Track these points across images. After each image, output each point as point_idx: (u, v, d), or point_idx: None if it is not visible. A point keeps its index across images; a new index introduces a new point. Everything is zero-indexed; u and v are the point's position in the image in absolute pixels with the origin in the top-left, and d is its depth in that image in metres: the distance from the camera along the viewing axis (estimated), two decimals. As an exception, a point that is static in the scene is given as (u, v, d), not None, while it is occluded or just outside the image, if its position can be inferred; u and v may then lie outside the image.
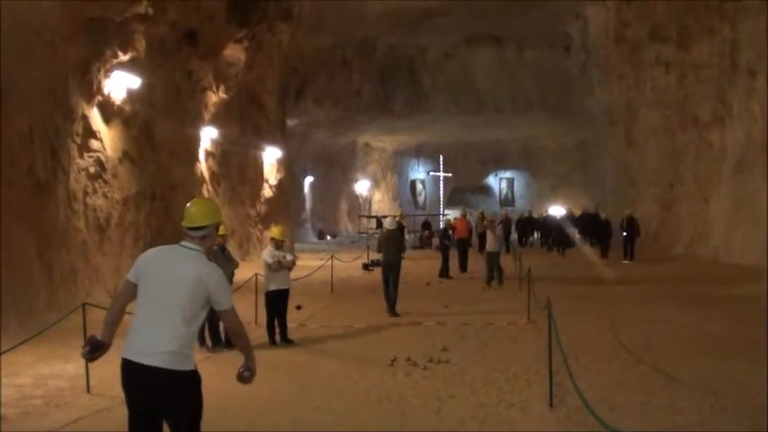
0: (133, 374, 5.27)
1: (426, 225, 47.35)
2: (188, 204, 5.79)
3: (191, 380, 5.35)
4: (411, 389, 10.50)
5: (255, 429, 8.60)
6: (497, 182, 65.50)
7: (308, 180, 51.24)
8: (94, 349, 5.52)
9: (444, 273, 27.01)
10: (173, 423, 5.37)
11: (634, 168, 41.19)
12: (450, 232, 29.13)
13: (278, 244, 14.39)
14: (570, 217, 40.52)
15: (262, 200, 34.99)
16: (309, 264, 27.60)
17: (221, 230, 14.24)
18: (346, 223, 57.75)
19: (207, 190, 28.12)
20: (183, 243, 5.61)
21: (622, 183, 44.25)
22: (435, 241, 38.44)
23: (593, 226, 35.98)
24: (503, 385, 10.58)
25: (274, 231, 15.00)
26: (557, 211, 48.88)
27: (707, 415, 8.77)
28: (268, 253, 14.36)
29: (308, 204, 51.54)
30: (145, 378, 5.23)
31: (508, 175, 65.00)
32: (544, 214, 46.04)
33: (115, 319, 5.63)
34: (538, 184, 62.64)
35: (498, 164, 63.57)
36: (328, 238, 51.21)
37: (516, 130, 54.06)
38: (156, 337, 5.25)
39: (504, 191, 65.31)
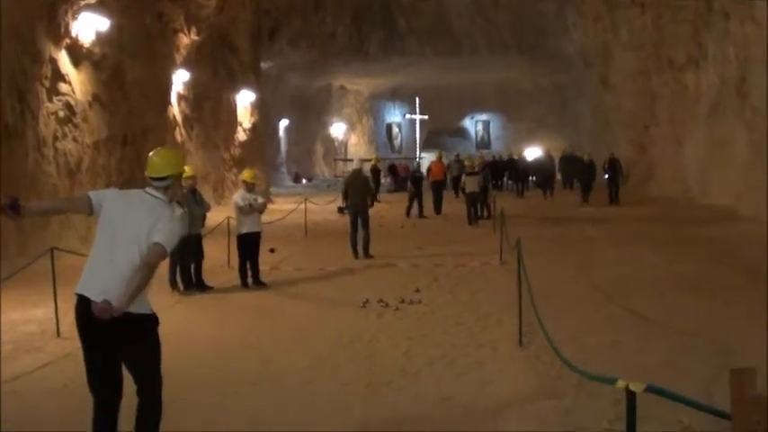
0: (89, 311, 5.17)
1: (392, 168, 47.12)
2: (151, 154, 5.71)
3: (146, 322, 5.30)
4: (382, 330, 10.52)
5: (225, 372, 8.58)
6: (473, 124, 65.30)
7: (283, 123, 50.97)
8: (13, 206, 5.13)
9: (420, 212, 27.66)
10: (131, 366, 5.34)
11: (610, 110, 41.19)
12: (425, 173, 29.33)
13: (249, 187, 14.30)
14: (549, 159, 39.77)
15: (236, 143, 34.80)
16: (284, 207, 27.55)
17: (188, 171, 14.17)
18: (322, 167, 57.61)
19: (180, 134, 27.93)
20: (147, 190, 5.55)
21: (598, 125, 44.28)
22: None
23: (575, 168, 35.55)
24: (473, 325, 10.61)
25: (245, 174, 14.90)
26: (533, 153, 48.71)
27: (677, 354, 8.80)
28: (239, 196, 14.28)
29: (283, 148, 51.34)
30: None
31: (484, 117, 64.76)
32: (516, 156, 45.04)
33: (50, 209, 5.60)
34: (514, 127, 62.48)
35: (474, 106, 63.27)
36: (304, 181, 51.14)
37: (492, 73, 53.72)
38: (114, 278, 5.18)
39: (481, 133, 65.12)
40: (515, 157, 43.69)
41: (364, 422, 6.83)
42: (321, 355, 9.19)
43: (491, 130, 64.89)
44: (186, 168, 14.20)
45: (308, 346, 9.73)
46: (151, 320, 5.35)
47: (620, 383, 4.10)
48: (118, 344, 5.22)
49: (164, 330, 9.87)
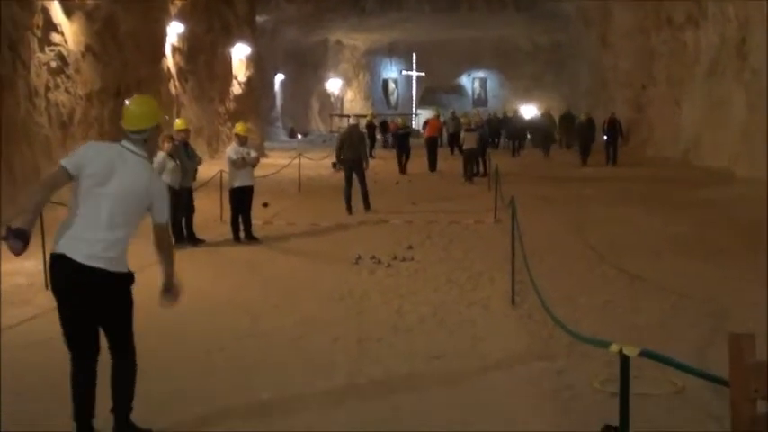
0: (69, 270, 5.03)
1: (384, 125, 46.66)
2: (127, 103, 5.46)
3: (124, 282, 5.20)
4: (374, 286, 10.44)
5: (214, 327, 8.49)
6: (470, 82, 64.93)
7: (279, 78, 50.64)
8: (25, 241, 4.88)
9: (402, 169, 27.88)
10: (106, 324, 5.23)
11: (608, 70, 40.91)
12: (421, 131, 29.28)
13: (242, 140, 14.16)
14: (549, 118, 39.08)
15: (231, 97, 34.59)
16: (279, 162, 27.38)
17: (181, 125, 14.03)
18: (318, 122, 57.39)
19: (174, 86, 27.71)
20: (126, 145, 5.28)
21: (596, 84, 43.99)
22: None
23: (577, 128, 34.46)
24: (465, 283, 10.53)
25: (238, 127, 14.72)
26: (530, 111, 48.38)
27: (668, 315, 8.74)
28: (232, 149, 14.15)
29: (278, 102, 51.07)
30: (82, 276, 5.03)
31: (481, 75, 64.40)
32: (511, 114, 44.34)
33: (39, 208, 5.24)
34: (511, 85, 62.13)
35: (472, 64, 62.87)
36: (299, 136, 50.93)
37: (490, 30, 53.31)
38: (97, 239, 5.04)
39: (477, 91, 64.77)
40: (511, 115, 43.10)
41: (353, 378, 6.74)
42: (312, 311, 9.11)
43: (488, 88, 64.55)
44: (178, 122, 14.16)
45: (299, 301, 9.65)
46: (128, 279, 5.24)
47: (614, 347, 3.97)
48: (95, 302, 5.11)
49: (153, 284, 9.82)
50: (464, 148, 25.17)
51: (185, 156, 13.53)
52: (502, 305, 9.25)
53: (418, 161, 28.67)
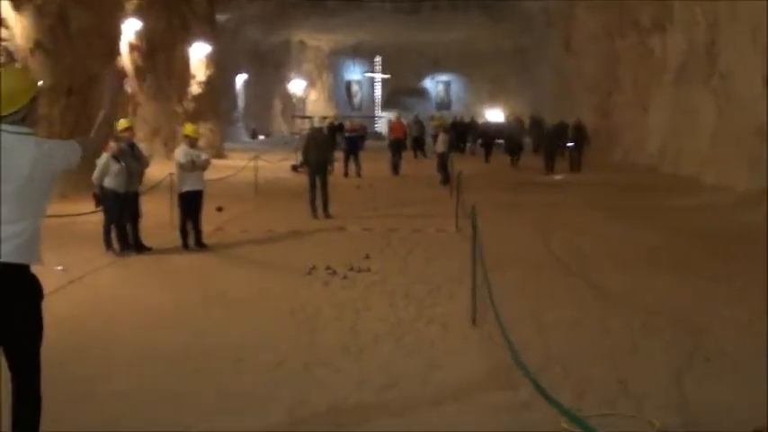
0: None
1: (340, 127, 45.80)
2: None
3: (31, 290, 4.43)
4: (327, 300, 9.79)
5: (151, 347, 7.76)
6: (434, 85, 64.57)
7: (241, 78, 49.88)
8: None
9: (349, 172, 27.55)
10: (9, 346, 4.45)
11: (572, 74, 40.49)
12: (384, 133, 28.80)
13: (191, 142, 13.46)
14: (519, 123, 38.25)
15: (189, 97, 33.85)
16: (238, 164, 26.66)
17: (125, 124, 13.23)
18: (280, 123, 56.73)
19: (130, 85, 26.95)
20: (3, 128, 4.46)
21: (560, 88, 43.59)
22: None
23: (552, 134, 32.25)
24: (424, 297, 9.88)
25: (187, 129, 13.97)
26: (495, 115, 47.96)
27: (639, 335, 8.15)
28: (181, 151, 13.44)
29: (240, 103, 50.32)
30: None
31: (445, 78, 64.04)
32: (480, 120, 44.05)
33: None
34: (475, 88, 61.77)
35: (435, 67, 62.50)
36: (261, 137, 50.23)
37: (454, 32, 52.71)
38: (17, 234, 4.32)
39: (441, 94, 64.43)
40: (479, 120, 42.73)
41: (294, 412, 6.03)
42: (258, 328, 8.43)
43: (452, 91, 64.19)
44: (122, 121, 13.34)
45: (245, 317, 8.97)
46: (36, 290, 4.47)
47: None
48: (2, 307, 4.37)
49: (91, 294, 9.17)
50: (438, 151, 24.85)
51: (131, 157, 12.77)
52: (462, 324, 8.59)
53: (379, 165, 28.08)
